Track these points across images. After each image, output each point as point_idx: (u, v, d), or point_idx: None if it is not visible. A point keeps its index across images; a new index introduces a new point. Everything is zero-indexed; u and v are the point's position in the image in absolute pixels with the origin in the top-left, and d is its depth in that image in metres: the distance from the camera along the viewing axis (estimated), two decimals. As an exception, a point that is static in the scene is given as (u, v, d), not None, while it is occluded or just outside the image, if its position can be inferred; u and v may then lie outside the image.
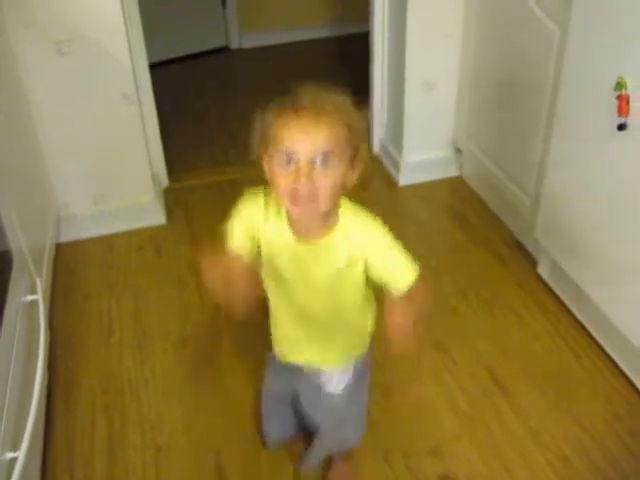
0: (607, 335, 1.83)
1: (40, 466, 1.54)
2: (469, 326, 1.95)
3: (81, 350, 1.92)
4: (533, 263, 2.15)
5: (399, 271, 1.14)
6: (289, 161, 1.00)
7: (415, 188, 2.64)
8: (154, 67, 2.57)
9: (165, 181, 2.69)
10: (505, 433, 1.64)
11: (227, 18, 4.12)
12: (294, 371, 1.34)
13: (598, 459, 1.57)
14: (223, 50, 4.19)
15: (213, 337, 1.28)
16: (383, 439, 1.62)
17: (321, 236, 1.11)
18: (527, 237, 2.20)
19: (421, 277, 1.14)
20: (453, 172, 2.70)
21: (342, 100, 1.04)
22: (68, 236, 2.37)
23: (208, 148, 2.96)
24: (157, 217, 2.47)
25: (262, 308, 1.26)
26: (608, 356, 1.82)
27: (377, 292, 1.21)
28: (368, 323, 1.30)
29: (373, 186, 2.69)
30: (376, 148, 2.85)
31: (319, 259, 1.13)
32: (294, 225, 1.12)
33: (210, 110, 3.32)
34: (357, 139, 1.05)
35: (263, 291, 1.25)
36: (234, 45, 4.21)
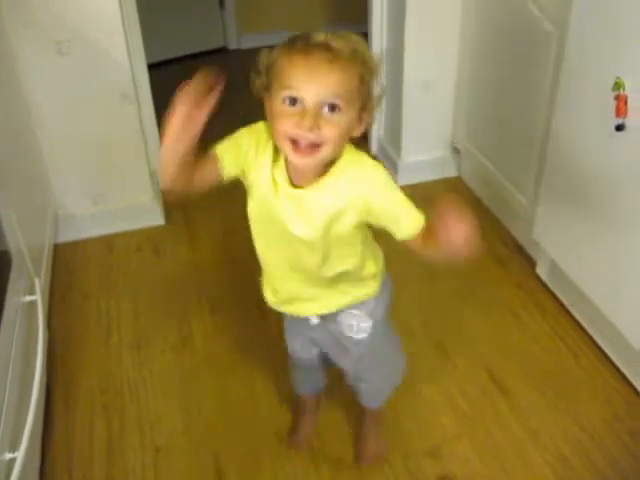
0: (606, 336, 1.83)
1: (39, 466, 1.53)
2: (468, 327, 1.95)
3: (80, 350, 1.92)
4: (532, 264, 2.15)
5: (405, 219, 1.07)
6: (294, 102, 0.93)
7: (413, 188, 2.61)
8: (153, 67, 2.56)
9: (164, 181, 2.68)
10: (504, 433, 1.64)
11: (225, 19, 4.11)
12: (308, 324, 1.27)
13: (597, 459, 1.57)
14: (221, 50, 4.18)
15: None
16: (382, 439, 1.62)
17: (317, 179, 1.04)
18: (526, 238, 2.20)
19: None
20: (451, 172, 2.70)
21: (358, 43, 0.97)
22: (67, 236, 2.36)
23: (206, 148, 2.95)
24: (156, 217, 2.46)
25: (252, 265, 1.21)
26: (607, 357, 1.82)
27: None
28: (370, 269, 1.22)
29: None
30: (374, 148, 2.85)
31: (310, 204, 1.06)
32: (289, 169, 1.05)
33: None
34: (369, 90, 0.99)
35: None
36: (232, 46, 4.21)
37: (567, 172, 1.83)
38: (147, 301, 2.10)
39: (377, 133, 2.81)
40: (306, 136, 0.93)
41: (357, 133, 1.01)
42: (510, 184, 2.23)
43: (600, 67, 1.60)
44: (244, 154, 1.08)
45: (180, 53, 3.93)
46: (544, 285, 2.08)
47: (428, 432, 1.65)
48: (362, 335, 1.27)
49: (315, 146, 0.94)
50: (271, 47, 0.98)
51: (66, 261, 2.28)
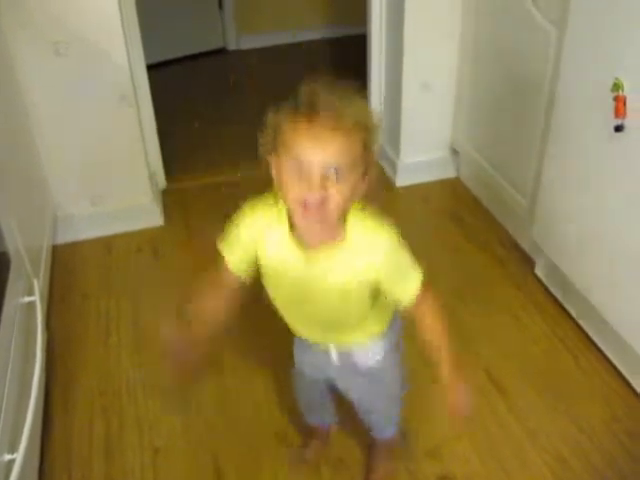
0: (605, 336, 1.83)
1: (38, 467, 1.53)
2: (466, 327, 1.95)
3: (79, 351, 1.92)
4: (531, 264, 2.15)
5: (406, 285, 1.14)
6: (300, 170, 0.96)
7: (412, 189, 2.64)
8: (152, 68, 2.56)
9: (163, 182, 2.69)
10: (503, 434, 1.64)
11: (224, 19, 4.12)
12: (322, 352, 1.29)
13: (596, 460, 1.57)
14: (221, 51, 4.18)
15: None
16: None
17: (329, 247, 1.07)
18: (524, 238, 2.20)
19: (425, 286, 1.16)
20: (450, 173, 2.70)
21: (362, 109, 1.00)
22: (66, 237, 2.36)
23: (206, 149, 2.95)
24: (155, 218, 2.46)
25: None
26: (606, 357, 1.82)
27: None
28: (385, 315, 1.27)
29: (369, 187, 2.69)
30: (373, 149, 2.85)
31: (326, 270, 1.09)
32: (300, 234, 1.07)
33: (207, 111, 3.31)
34: (372, 156, 1.02)
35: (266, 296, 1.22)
36: (231, 46, 4.21)
37: (566, 172, 1.83)
38: (146, 302, 2.10)
39: (376, 134, 2.80)
40: (314, 199, 0.96)
41: (361, 193, 1.04)
42: (509, 185, 2.23)
43: (599, 68, 1.60)
44: (252, 244, 1.13)
45: (179, 54, 3.93)
46: (543, 285, 2.08)
47: (427, 432, 1.65)
48: (373, 363, 1.30)
49: (323, 208, 0.97)
50: (277, 108, 1.00)
51: (65, 262, 2.28)
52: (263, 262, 1.14)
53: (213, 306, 1.21)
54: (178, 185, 2.69)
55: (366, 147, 0.99)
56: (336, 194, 0.97)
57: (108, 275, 2.23)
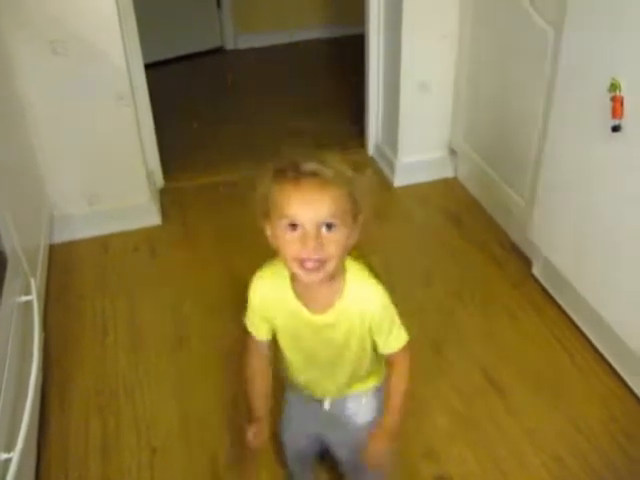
0: (602, 336, 1.83)
1: (34, 467, 1.53)
2: (464, 327, 1.96)
3: (76, 351, 1.92)
4: (528, 264, 2.15)
5: (393, 335, 1.19)
6: (294, 228, 1.00)
7: (410, 189, 2.65)
8: (149, 67, 2.56)
9: (160, 182, 2.68)
10: (500, 434, 1.64)
11: (222, 19, 4.11)
12: (316, 410, 1.32)
13: (593, 460, 1.57)
14: (218, 51, 4.18)
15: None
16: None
17: (330, 304, 1.12)
18: (522, 238, 2.20)
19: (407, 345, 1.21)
20: (448, 173, 2.70)
21: (343, 165, 1.04)
22: (63, 236, 2.36)
23: (204, 149, 2.95)
24: (152, 218, 2.46)
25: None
26: (602, 357, 1.82)
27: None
28: (382, 367, 1.30)
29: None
30: (371, 149, 2.85)
31: (333, 328, 1.14)
32: (301, 295, 1.13)
33: (205, 111, 3.31)
34: (360, 206, 1.06)
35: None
36: (229, 46, 4.21)
37: (563, 173, 1.83)
38: (143, 301, 2.10)
39: (374, 134, 2.81)
40: (311, 257, 1.01)
41: (353, 241, 1.08)
42: (506, 185, 2.24)
43: (596, 68, 1.60)
44: (265, 308, 1.18)
45: (177, 53, 3.93)
46: (540, 285, 2.08)
47: (424, 432, 1.65)
48: (368, 419, 1.31)
49: (321, 263, 1.02)
50: (262, 174, 1.04)
51: (62, 261, 2.28)
52: (275, 325, 1.20)
53: (261, 373, 1.27)
54: (175, 184, 2.69)
55: (353, 199, 1.04)
56: (331, 247, 1.01)
57: (105, 274, 2.23)
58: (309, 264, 1.02)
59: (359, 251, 1.14)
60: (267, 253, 1.11)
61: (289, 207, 1.00)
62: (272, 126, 3.02)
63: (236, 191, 2.32)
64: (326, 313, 1.13)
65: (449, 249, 2.31)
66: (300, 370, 1.26)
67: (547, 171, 1.91)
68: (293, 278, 1.12)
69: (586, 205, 1.75)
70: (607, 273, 1.71)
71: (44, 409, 1.71)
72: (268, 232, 1.08)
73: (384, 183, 2.69)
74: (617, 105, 1.52)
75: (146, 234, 2.41)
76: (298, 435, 1.42)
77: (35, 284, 1.69)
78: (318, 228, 1.00)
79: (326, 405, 1.31)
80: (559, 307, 2.00)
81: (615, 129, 1.54)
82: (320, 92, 3.42)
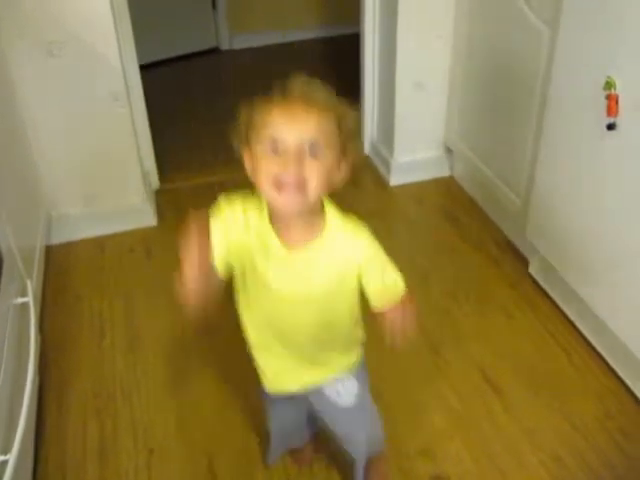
0: (598, 334, 1.83)
1: (32, 470, 1.53)
2: (461, 326, 1.96)
3: (73, 353, 1.91)
4: (524, 263, 2.15)
5: (389, 283, 1.11)
6: (275, 150, 0.96)
7: (406, 188, 2.65)
8: (144, 68, 2.56)
9: (156, 182, 2.68)
10: (497, 432, 1.64)
11: (217, 19, 4.11)
12: (297, 397, 1.27)
13: (591, 458, 1.57)
14: (214, 51, 4.18)
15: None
16: None
17: (309, 241, 1.05)
18: (518, 237, 2.20)
19: (408, 288, 1.12)
20: (444, 172, 2.70)
21: (334, 97, 1.01)
22: (59, 238, 2.35)
23: (199, 149, 2.95)
24: (148, 219, 2.46)
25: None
26: (599, 355, 1.83)
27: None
28: (360, 332, 1.25)
29: (364, 186, 2.70)
30: (367, 148, 2.85)
31: (311, 266, 1.07)
32: (278, 226, 1.05)
33: (201, 111, 3.31)
34: (346, 137, 1.01)
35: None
36: (225, 46, 4.20)
37: (559, 171, 1.83)
38: (140, 303, 2.09)
39: (370, 133, 2.81)
40: (291, 176, 0.95)
41: (337, 182, 1.03)
42: (503, 183, 2.24)
43: (591, 66, 1.61)
44: (227, 237, 1.08)
45: (172, 54, 3.92)
46: (537, 284, 2.08)
47: (421, 432, 1.65)
48: (349, 401, 1.25)
49: (300, 186, 0.96)
50: (249, 104, 1.02)
51: (58, 262, 2.27)
52: (239, 260, 1.09)
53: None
54: (171, 185, 2.69)
55: (339, 126, 0.99)
56: (313, 171, 0.96)
57: (101, 275, 2.23)
58: (287, 184, 0.96)
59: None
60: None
61: (272, 125, 0.96)
62: (268, 126, 3.02)
63: (232, 192, 2.32)
64: (303, 248, 1.06)
65: (445, 248, 2.31)
66: (267, 342, 1.18)
67: (543, 169, 1.91)
68: (270, 213, 1.04)
69: (582, 203, 1.76)
70: (604, 271, 1.72)
71: (41, 411, 1.71)
72: (247, 164, 1.03)
73: (380, 182, 2.69)
74: (612, 103, 1.52)
75: (142, 235, 2.41)
76: (285, 421, 1.39)
77: (31, 285, 1.69)
78: (301, 148, 0.95)
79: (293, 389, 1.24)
80: (556, 305, 2.00)
81: (610, 127, 1.54)
82: (316, 92, 3.43)
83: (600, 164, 1.65)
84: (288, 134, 0.95)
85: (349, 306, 1.16)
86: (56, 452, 1.63)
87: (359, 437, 1.35)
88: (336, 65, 3.72)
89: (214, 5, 4.06)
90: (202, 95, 3.52)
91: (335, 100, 1.01)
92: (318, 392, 1.25)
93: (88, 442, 1.66)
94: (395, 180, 2.66)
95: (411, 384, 1.77)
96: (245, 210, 1.08)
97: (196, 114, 3.28)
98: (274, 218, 1.05)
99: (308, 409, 1.35)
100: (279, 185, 0.96)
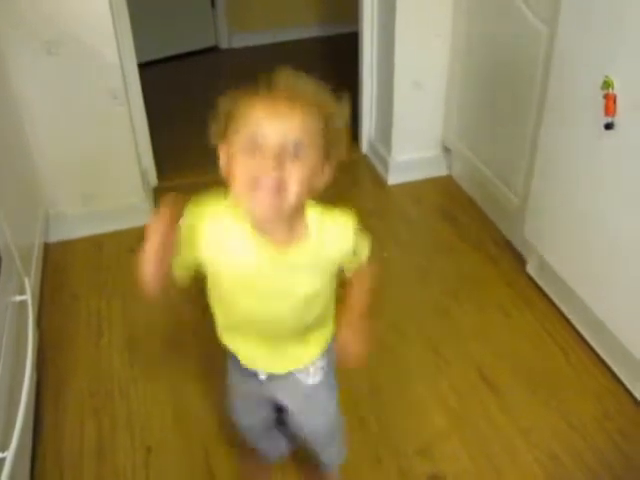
0: (596, 334, 1.83)
1: (29, 467, 1.53)
2: (459, 325, 1.96)
3: (70, 351, 1.91)
4: (522, 262, 2.16)
5: (363, 255, 1.09)
6: (254, 147, 0.87)
7: (404, 187, 2.65)
8: (143, 67, 2.56)
9: (154, 181, 2.68)
10: (494, 432, 1.64)
11: (216, 18, 4.11)
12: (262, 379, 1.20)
13: (588, 458, 1.57)
14: (213, 50, 4.18)
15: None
16: (373, 439, 1.62)
17: (292, 243, 0.98)
18: (516, 236, 2.20)
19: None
20: (442, 171, 2.70)
21: (322, 91, 0.93)
22: (57, 236, 2.35)
23: (198, 147, 2.91)
24: (146, 217, 2.44)
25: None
26: (597, 355, 1.83)
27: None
28: (332, 309, 1.17)
29: (362, 185, 2.70)
30: (365, 147, 2.85)
31: (294, 271, 1.00)
32: (258, 228, 0.96)
33: (200, 110, 3.27)
34: (332, 138, 0.93)
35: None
36: (224, 45, 4.20)
37: (557, 171, 1.83)
38: (137, 301, 2.09)
39: (368, 132, 2.81)
40: (268, 178, 0.86)
41: (319, 185, 0.95)
42: (501, 183, 2.24)
43: (589, 66, 1.61)
44: (193, 245, 1.00)
45: (171, 52, 3.92)
46: (534, 283, 2.08)
47: (419, 431, 1.65)
48: (317, 378, 1.20)
49: (279, 189, 0.87)
50: (231, 95, 0.94)
51: (56, 261, 2.27)
52: (213, 264, 1.01)
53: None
54: (170, 184, 2.68)
55: (326, 125, 0.91)
56: (294, 173, 0.87)
57: (99, 274, 2.23)
58: (265, 186, 0.86)
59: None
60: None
61: (253, 118, 0.87)
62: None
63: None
64: (285, 252, 0.97)
65: (443, 247, 2.31)
66: (235, 323, 1.12)
67: (540, 169, 1.91)
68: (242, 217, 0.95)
69: (579, 203, 1.76)
70: (601, 270, 1.72)
71: (38, 409, 1.71)
72: (222, 160, 0.94)
73: (378, 181, 2.69)
74: (610, 103, 1.52)
75: (140, 234, 2.37)
76: (248, 408, 1.32)
77: (29, 283, 1.69)
78: (283, 147, 0.86)
79: (261, 376, 1.18)
80: (553, 305, 2.00)
81: (608, 127, 1.55)
82: (314, 91, 3.43)
83: (598, 163, 1.65)
84: (270, 131, 0.86)
85: (330, 294, 1.11)
86: (53, 450, 1.63)
87: (320, 420, 1.27)
88: (334, 64, 3.71)
89: (213, 3, 4.06)
90: (201, 93, 3.49)
91: (324, 95, 0.93)
92: (286, 375, 1.19)
93: (85, 440, 1.66)
94: (393, 179, 2.66)
95: (409, 382, 1.77)
96: (216, 214, 1.00)
97: (195, 112, 3.24)
98: (251, 220, 0.97)
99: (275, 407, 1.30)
100: (254, 185, 0.88)
